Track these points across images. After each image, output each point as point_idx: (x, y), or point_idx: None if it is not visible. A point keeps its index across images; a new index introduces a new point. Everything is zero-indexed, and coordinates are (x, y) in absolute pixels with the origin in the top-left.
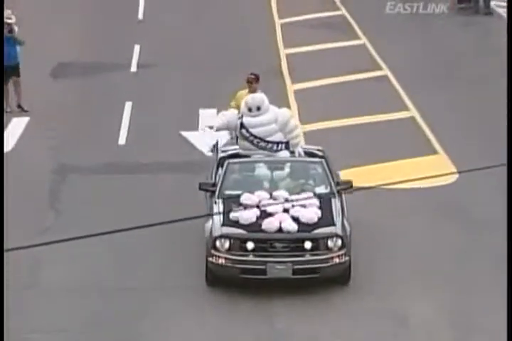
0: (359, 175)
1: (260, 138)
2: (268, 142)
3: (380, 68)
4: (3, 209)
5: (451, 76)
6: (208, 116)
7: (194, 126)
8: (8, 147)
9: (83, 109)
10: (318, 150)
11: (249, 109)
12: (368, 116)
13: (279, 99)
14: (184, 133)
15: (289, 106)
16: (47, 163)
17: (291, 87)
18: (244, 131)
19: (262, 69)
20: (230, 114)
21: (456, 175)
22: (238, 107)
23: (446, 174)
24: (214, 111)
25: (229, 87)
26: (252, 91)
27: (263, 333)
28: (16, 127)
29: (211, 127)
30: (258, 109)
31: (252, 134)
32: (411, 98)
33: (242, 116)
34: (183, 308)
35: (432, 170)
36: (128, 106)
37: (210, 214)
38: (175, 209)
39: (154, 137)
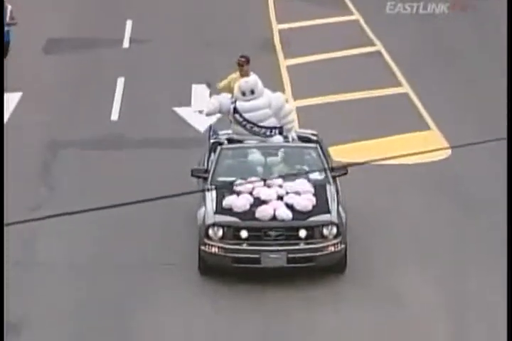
0: (351, 151)
1: (253, 123)
2: (261, 127)
3: (373, 44)
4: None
5: (445, 51)
6: (200, 92)
7: (187, 102)
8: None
9: (75, 84)
10: (312, 134)
11: (243, 93)
12: (361, 92)
13: (271, 75)
14: (177, 109)
15: (281, 82)
16: (39, 138)
17: (284, 63)
18: (237, 115)
19: (255, 45)
20: (222, 98)
21: (449, 152)
22: (226, 89)
23: (441, 149)
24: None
25: (222, 62)
26: (244, 74)
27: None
28: (8, 102)
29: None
30: (252, 92)
31: (245, 119)
32: (404, 74)
33: (235, 101)
34: (173, 285)
35: (425, 146)
36: (120, 81)
37: (203, 190)
38: (167, 185)
39: (147, 113)
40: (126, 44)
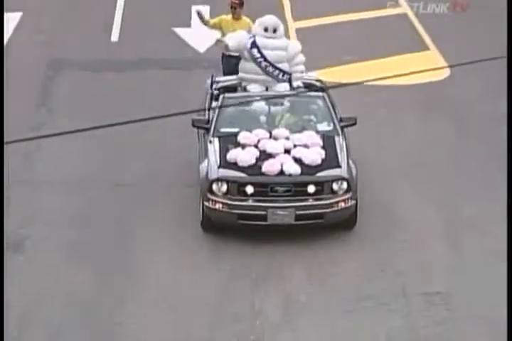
0: (352, 72)
1: (269, 62)
2: (276, 68)
3: None
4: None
5: None
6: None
7: (187, 23)
8: None
9: (76, 5)
10: (318, 80)
11: (266, 29)
12: (361, 13)
13: None
14: (176, 30)
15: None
16: (40, 58)
17: None
18: (255, 50)
19: None
20: (238, 34)
21: (448, 71)
22: (216, 26)
23: (440, 68)
24: (207, 8)
25: None
26: (237, 17)
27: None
28: (8, 22)
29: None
30: (274, 31)
31: (262, 55)
32: None
33: (254, 36)
34: (172, 204)
35: (424, 66)
36: (120, 1)
37: (205, 109)
38: (166, 105)
39: (147, 33)
40: None
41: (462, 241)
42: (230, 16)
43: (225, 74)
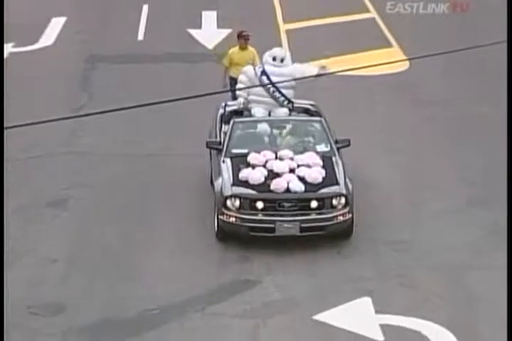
0: (331, 64)
1: (276, 88)
2: (282, 94)
3: None
4: None
5: None
6: (209, 16)
7: (198, 25)
8: (50, 41)
9: (109, 10)
10: (311, 104)
11: (274, 59)
12: (339, 17)
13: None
14: (190, 30)
15: (272, 4)
16: (80, 53)
17: None
18: (264, 77)
19: None
20: (246, 69)
21: (407, 64)
22: (231, 64)
23: (401, 60)
24: (214, 12)
25: None
26: (245, 47)
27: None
28: (55, 25)
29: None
30: (282, 60)
31: (271, 82)
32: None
33: (263, 64)
34: (185, 173)
35: (388, 59)
36: (145, 8)
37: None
38: (185, 89)
39: (166, 34)
40: None
41: (423, 200)
42: (236, 47)
43: (233, 98)
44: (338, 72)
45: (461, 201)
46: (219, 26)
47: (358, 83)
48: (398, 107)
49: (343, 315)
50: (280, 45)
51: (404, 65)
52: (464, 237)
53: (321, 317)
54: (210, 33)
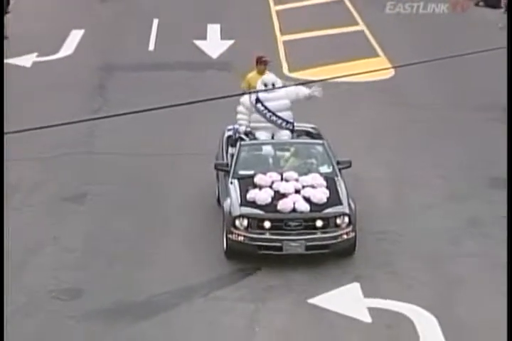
0: (324, 72)
1: (273, 112)
2: (279, 117)
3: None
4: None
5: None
6: (213, 29)
7: (203, 36)
8: (69, 51)
9: (122, 24)
10: (312, 127)
11: (265, 85)
12: (331, 29)
13: (266, 16)
14: (196, 42)
15: (271, 18)
16: (96, 62)
17: (274, 8)
18: (259, 105)
19: None
20: (242, 99)
21: (393, 72)
22: (249, 88)
23: (386, 68)
24: (218, 25)
25: (231, 5)
26: (262, 72)
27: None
28: (74, 37)
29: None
30: (273, 85)
31: (266, 108)
32: (360, 14)
33: (257, 94)
34: (195, 172)
35: (376, 67)
36: (155, 22)
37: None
38: (191, 94)
39: (174, 44)
40: None
41: (407, 195)
42: (254, 72)
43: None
44: (329, 79)
45: (441, 195)
46: (222, 38)
47: (347, 89)
48: (384, 110)
49: (334, 299)
50: (278, 54)
51: (390, 73)
52: (445, 228)
53: (315, 300)
54: (214, 43)
